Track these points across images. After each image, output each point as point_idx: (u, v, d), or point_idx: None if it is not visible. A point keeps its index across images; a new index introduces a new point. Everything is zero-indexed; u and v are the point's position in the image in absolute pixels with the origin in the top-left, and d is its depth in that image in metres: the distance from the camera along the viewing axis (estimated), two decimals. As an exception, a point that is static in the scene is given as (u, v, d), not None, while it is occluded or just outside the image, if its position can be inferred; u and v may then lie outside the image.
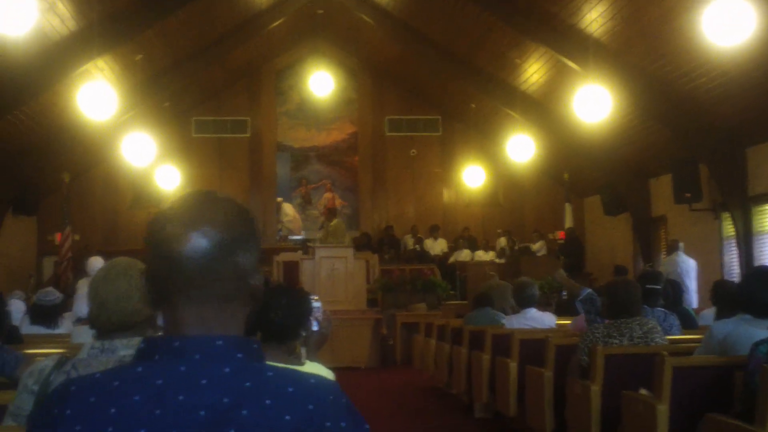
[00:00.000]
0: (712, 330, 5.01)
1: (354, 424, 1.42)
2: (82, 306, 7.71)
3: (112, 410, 1.35)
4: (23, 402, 2.70)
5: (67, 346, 5.56)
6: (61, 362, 2.78)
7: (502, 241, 18.78)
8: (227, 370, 1.39)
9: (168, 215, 1.48)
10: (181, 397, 1.36)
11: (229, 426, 1.34)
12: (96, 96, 12.11)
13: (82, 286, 9.16)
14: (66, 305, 8.24)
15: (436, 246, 19.37)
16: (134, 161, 15.84)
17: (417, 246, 19.06)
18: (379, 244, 19.15)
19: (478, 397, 8.71)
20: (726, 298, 6.43)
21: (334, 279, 14.31)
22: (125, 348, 2.71)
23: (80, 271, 13.24)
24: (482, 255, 18.46)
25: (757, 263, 12.18)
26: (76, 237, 17.31)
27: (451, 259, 18.41)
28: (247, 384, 1.38)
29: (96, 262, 9.68)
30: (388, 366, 14.38)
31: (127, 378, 1.40)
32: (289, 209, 19.66)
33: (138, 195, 19.31)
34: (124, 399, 1.36)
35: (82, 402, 1.38)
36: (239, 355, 1.42)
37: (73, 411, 1.38)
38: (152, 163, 17.04)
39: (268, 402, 1.36)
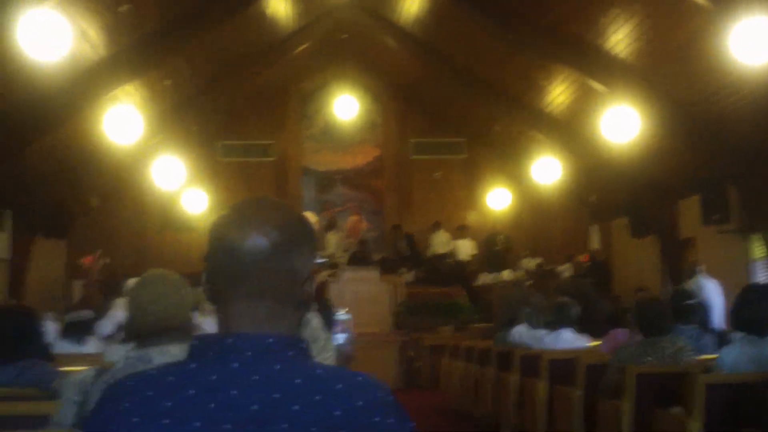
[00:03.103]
0: (718, 361, 4.92)
1: (401, 421, 1.45)
2: (107, 324, 7.78)
3: (169, 403, 1.40)
4: (66, 412, 2.74)
5: (98, 363, 5.59)
6: (100, 373, 2.82)
7: (528, 262, 18.71)
8: (278, 367, 1.44)
9: (231, 214, 1.57)
10: (234, 392, 1.40)
11: (280, 421, 1.38)
12: (122, 120, 12.25)
13: (116, 305, 9.20)
14: (93, 326, 8.28)
15: (463, 247, 19.27)
16: (163, 185, 16.00)
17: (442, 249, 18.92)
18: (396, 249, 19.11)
19: (506, 419, 8.67)
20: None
21: (359, 301, 14.35)
22: (160, 356, 2.75)
23: (111, 293, 13.32)
24: (507, 275, 18.43)
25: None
26: (107, 260, 17.44)
27: (478, 282, 18.37)
28: (298, 380, 1.42)
29: (132, 284, 9.73)
30: (413, 388, 14.35)
31: (182, 374, 1.45)
32: (311, 216, 19.63)
33: (166, 219, 19.42)
34: (179, 393, 1.41)
35: (140, 396, 1.43)
36: (290, 353, 1.47)
37: (131, 404, 1.42)
38: (180, 187, 17.19)
39: (317, 398, 1.40)
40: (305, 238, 1.56)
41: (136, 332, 2.92)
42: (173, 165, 15.79)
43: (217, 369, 1.44)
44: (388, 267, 17.59)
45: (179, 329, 2.84)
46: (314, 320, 3.67)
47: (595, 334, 8.42)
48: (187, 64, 15.07)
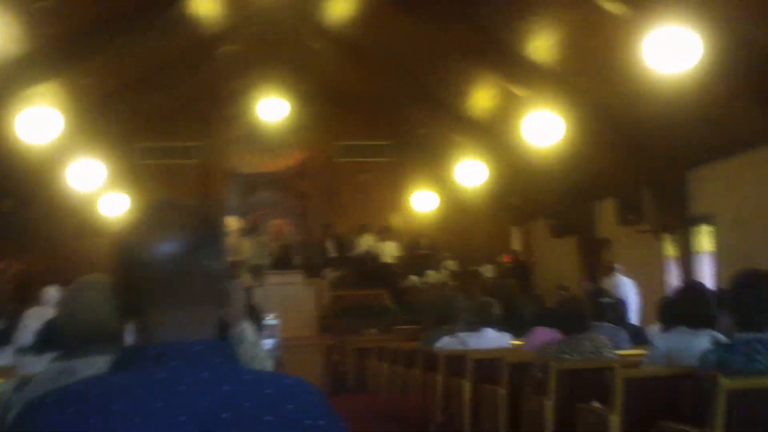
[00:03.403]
0: (656, 344, 5.23)
1: (332, 422, 1.44)
2: (27, 335, 7.54)
3: (92, 420, 1.35)
4: None
5: (11, 375, 5.43)
6: (21, 385, 2.74)
7: (451, 264, 18.97)
8: (205, 375, 1.40)
9: (134, 223, 1.51)
10: (160, 404, 1.36)
11: (211, 430, 1.35)
12: (37, 120, 11.95)
13: (31, 316, 8.94)
14: (7, 336, 8.05)
15: (388, 249, 19.44)
16: (80, 187, 15.59)
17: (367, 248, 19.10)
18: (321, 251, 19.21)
19: (432, 418, 8.81)
20: (667, 311, 6.69)
21: (285, 305, 14.31)
22: (86, 368, 2.62)
23: (26, 301, 12.95)
24: (432, 275, 18.67)
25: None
26: (19, 266, 16.98)
27: (405, 284, 18.54)
28: (226, 388, 1.39)
29: (51, 292, 9.55)
30: (340, 391, 14.39)
31: (105, 387, 1.40)
32: (233, 221, 19.56)
33: (82, 223, 18.98)
34: (103, 408, 1.36)
35: (61, 412, 1.38)
36: (216, 360, 1.44)
37: (51, 421, 1.37)
38: (97, 191, 16.78)
39: (247, 404, 1.38)
40: (214, 236, 1.53)
41: (64, 342, 2.80)
42: (91, 167, 15.43)
43: (141, 381, 1.39)
44: (313, 269, 17.61)
45: (109, 340, 2.71)
46: (249, 336, 3.62)
47: (518, 333, 8.65)
48: (108, 63, 14.81)
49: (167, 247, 1.46)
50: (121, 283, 1.50)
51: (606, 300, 7.42)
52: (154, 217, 1.52)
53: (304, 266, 17.59)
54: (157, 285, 1.46)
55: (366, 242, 19.40)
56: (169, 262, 1.46)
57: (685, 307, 5.15)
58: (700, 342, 4.77)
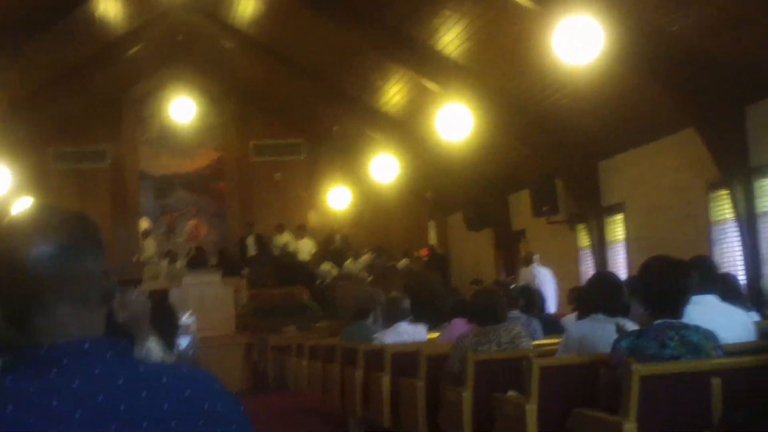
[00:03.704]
0: (569, 331, 5.31)
1: (230, 405, 1.46)
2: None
3: None
4: None
5: None
6: None
7: (366, 258, 19.03)
8: (98, 370, 1.40)
9: (8, 228, 1.48)
10: (54, 403, 1.34)
11: (108, 423, 1.34)
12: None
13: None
14: None
15: (305, 246, 19.46)
16: (-11, 194, 15.25)
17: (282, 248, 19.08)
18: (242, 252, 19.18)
19: (352, 413, 8.80)
20: (581, 301, 6.81)
21: (204, 305, 14.15)
22: None
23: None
24: (350, 264, 18.74)
25: (610, 270, 12.74)
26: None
27: (319, 271, 18.58)
28: (120, 381, 1.39)
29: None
30: (260, 390, 14.30)
31: None
32: (143, 222, 19.41)
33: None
34: None
35: None
36: (108, 354, 1.43)
37: None
38: (9, 197, 16.41)
39: (144, 394, 1.38)
40: (90, 236, 1.51)
41: None
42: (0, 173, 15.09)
43: (34, 381, 1.37)
44: (230, 269, 17.44)
45: (2, 348, 2.55)
46: (155, 355, 3.54)
47: (436, 325, 8.71)
48: (14, 67, 14.41)
49: (45, 248, 1.44)
50: (2, 290, 1.46)
51: (515, 287, 7.52)
52: (30, 220, 1.49)
53: (222, 266, 17.41)
54: (36, 287, 1.43)
55: (283, 240, 19.32)
56: (47, 263, 1.43)
57: (595, 296, 5.24)
58: (612, 330, 4.84)
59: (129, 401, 1.36)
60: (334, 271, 18.68)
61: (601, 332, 4.97)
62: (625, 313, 5.15)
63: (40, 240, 1.45)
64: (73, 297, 1.46)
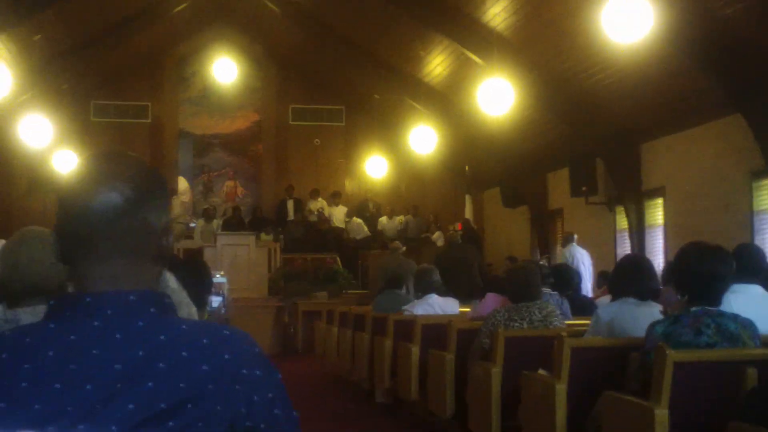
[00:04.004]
0: (599, 314, 5.26)
1: (268, 372, 1.45)
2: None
3: (26, 366, 1.34)
4: None
5: None
6: None
7: (404, 217, 19.22)
8: (141, 324, 1.39)
9: (79, 171, 1.50)
10: (95, 352, 1.35)
11: (145, 379, 1.33)
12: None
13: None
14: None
15: (339, 214, 19.53)
16: (31, 145, 15.40)
17: (317, 213, 19.21)
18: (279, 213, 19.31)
19: (380, 383, 8.83)
20: (611, 284, 6.74)
21: (237, 267, 14.24)
22: (30, 317, 2.63)
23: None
24: (385, 222, 18.83)
25: (648, 254, 12.61)
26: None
27: (351, 225, 18.82)
28: (162, 337, 1.38)
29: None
30: (289, 354, 14.41)
31: (40, 334, 1.39)
32: (182, 182, 19.52)
33: (34, 181, 18.73)
34: (37, 355, 1.35)
35: None
36: (152, 310, 1.42)
37: None
38: (49, 148, 16.57)
39: (184, 354, 1.37)
40: (158, 191, 1.51)
41: (10, 291, 2.81)
42: (42, 124, 15.20)
43: (76, 328, 1.38)
44: (261, 230, 17.52)
45: (53, 291, 2.64)
46: (171, 283, 3.58)
47: (467, 300, 8.69)
48: (60, 20, 14.49)
49: (109, 198, 1.44)
50: (59, 232, 1.47)
51: (545, 263, 7.47)
52: (99, 167, 1.49)
53: (256, 227, 17.49)
54: (96, 237, 1.44)
55: (317, 206, 19.36)
56: (109, 215, 1.43)
57: (625, 279, 5.18)
58: (643, 314, 4.79)
59: (168, 360, 1.36)
60: (365, 228, 18.79)
61: (631, 316, 4.93)
62: (655, 296, 5.09)
63: (107, 189, 1.44)
64: (128, 250, 1.46)
